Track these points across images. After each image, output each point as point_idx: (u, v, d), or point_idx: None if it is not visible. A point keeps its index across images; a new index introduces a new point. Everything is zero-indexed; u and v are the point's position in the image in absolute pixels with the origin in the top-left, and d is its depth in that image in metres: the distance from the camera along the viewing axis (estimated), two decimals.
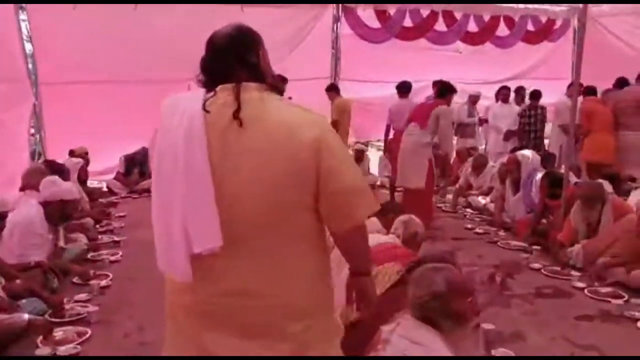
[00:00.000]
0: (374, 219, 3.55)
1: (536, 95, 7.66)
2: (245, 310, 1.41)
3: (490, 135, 8.14)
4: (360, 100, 8.87)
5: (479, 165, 6.72)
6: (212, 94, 1.43)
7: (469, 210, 6.48)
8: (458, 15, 9.01)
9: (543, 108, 7.67)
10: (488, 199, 6.36)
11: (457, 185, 7.09)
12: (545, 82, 8.83)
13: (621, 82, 6.55)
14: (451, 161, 8.44)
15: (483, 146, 8.85)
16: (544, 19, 9.46)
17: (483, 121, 8.68)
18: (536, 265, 4.41)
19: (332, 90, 7.67)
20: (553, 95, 8.09)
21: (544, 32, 9.50)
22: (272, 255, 1.42)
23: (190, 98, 1.44)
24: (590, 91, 7.08)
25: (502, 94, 7.92)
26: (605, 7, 8.86)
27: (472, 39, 9.15)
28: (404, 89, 7.05)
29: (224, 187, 1.38)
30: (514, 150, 6.66)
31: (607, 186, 5.33)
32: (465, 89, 9.13)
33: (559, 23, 9.56)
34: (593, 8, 9.14)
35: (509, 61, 9.42)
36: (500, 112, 7.84)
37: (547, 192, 5.01)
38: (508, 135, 7.74)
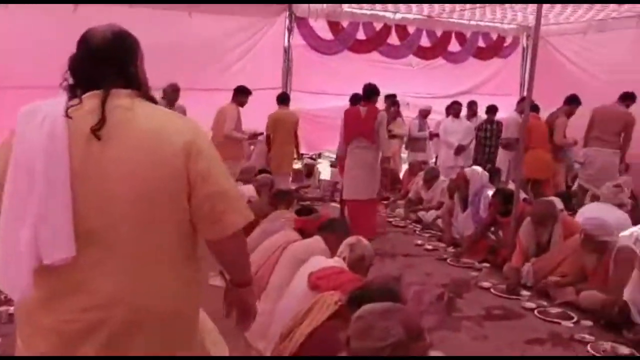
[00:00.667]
0: (318, 238, 3.35)
1: (492, 109, 7.70)
2: (110, 322, 1.33)
3: (441, 149, 8.10)
4: (312, 112, 8.72)
5: (430, 179, 6.63)
6: (77, 101, 1.33)
7: (419, 225, 6.36)
8: (411, 29, 9.02)
9: (499, 123, 7.71)
10: (438, 213, 6.28)
11: (406, 198, 7.01)
12: (494, 97, 8.91)
13: (571, 100, 6.60)
14: (401, 174, 8.44)
15: (433, 160, 8.84)
16: (494, 36, 9.60)
17: (433, 135, 8.69)
18: (485, 284, 4.29)
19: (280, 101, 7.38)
20: (501, 111, 8.17)
21: (495, 49, 9.64)
22: (141, 265, 1.35)
23: (52, 104, 1.33)
24: (533, 107, 7.17)
25: (453, 109, 7.91)
26: (554, 26, 9.06)
27: (424, 54, 9.17)
28: (357, 101, 6.91)
29: (88, 197, 1.31)
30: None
31: (559, 203, 5.36)
32: (416, 103, 9.16)
33: (509, 40, 9.73)
34: (542, 27, 9.37)
35: (460, 76, 9.50)
36: (451, 126, 7.82)
37: (499, 208, 4.93)
38: (459, 150, 7.73)
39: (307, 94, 8.80)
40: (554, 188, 6.65)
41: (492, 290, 4.19)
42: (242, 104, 6.43)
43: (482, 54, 9.54)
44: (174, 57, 6.88)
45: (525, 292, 4.12)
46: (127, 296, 1.33)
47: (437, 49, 9.19)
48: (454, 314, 3.76)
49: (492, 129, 7.74)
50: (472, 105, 8.36)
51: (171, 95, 6.15)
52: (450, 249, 5.30)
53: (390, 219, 6.68)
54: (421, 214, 6.50)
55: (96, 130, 1.30)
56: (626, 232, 4.06)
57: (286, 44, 8.54)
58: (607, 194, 4.92)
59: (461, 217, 5.65)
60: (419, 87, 9.26)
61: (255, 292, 1.65)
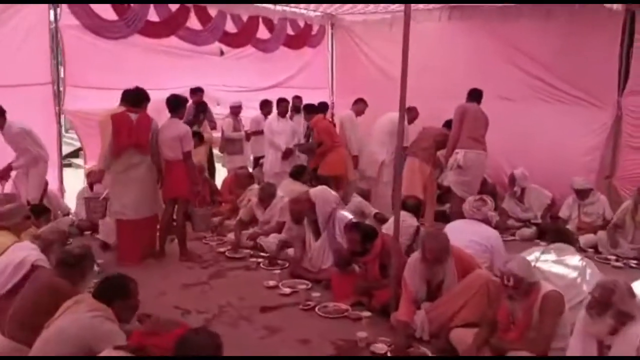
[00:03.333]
0: None
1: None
2: None
3: (268, 153, 7.04)
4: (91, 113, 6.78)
5: (267, 197, 5.56)
6: None
7: (262, 255, 5.24)
8: (213, 12, 7.67)
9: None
10: (280, 237, 5.26)
11: (238, 218, 5.82)
12: (305, 91, 8.22)
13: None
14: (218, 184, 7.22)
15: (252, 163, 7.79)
16: (302, 24, 8.84)
17: (249, 135, 7.62)
18: (379, 348, 3.43)
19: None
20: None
21: (304, 37, 8.89)
22: None
23: None
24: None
25: (280, 107, 6.95)
26: (359, 16, 8.69)
27: (231, 41, 7.92)
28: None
29: None
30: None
31: (412, 220, 4.81)
32: (227, 98, 7.93)
33: (315, 28, 9.08)
34: (347, 16, 8.95)
35: (270, 67, 8.50)
36: (278, 127, 6.85)
37: (357, 247, 4.12)
38: (287, 154, 6.81)
39: (86, 90, 6.79)
40: (430, 197, 6.28)
41: (389, 354, 3.36)
42: None
43: (292, 43, 8.70)
44: None
45: (423, 348, 3.40)
46: None
47: (244, 35, 8.03)
48: None
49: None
50: (296, 101, 7.47)
51: None
52: (315, 294, 4.29)
53: (222, 249, 5.43)
54: (262, 240, 5.39)
55: None
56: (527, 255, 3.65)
57: (52, 24, 6.39)
58: (469, 209, 4.50)
59: (314, 246, 4.74)
60: (230, 80, 7.99)
61: None
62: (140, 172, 5.04)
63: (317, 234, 4.76)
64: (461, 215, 4.68)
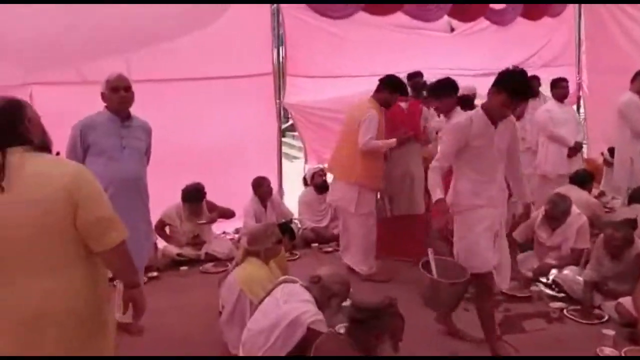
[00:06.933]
0: None
1: None
2: (17, 316, 1.73)
3: (545, 149, 5.48)
4: (313, 106, 5.97)
5: (561, 214, 4.05)
6: None
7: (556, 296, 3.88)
8: None
9: None
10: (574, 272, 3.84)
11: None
12: (549, 70, 6.59)
13: None
14: None
15: None
16: None
17: None
18: None
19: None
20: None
21: (543, 6, 7.17)
22: (41, 275, 1.76)
23: None
24: None
25: (559, 88, 5.52)
26: None
27: (463, 13, 6.55)
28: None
29: None
30: None
31: None
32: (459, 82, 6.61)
33: None
34: None
35: (508, 43, 6.97)
36: (560, 114, 5.40)
37: None
38: (575, 150, 5.34)
39: (305, 80, 6.00)
40: None
41: None
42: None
43: (531, 13, 7.05)
44: None
45: None
46: (34, 300, 1.74)
47: (477, 6, 6.60)
48: None
49: None
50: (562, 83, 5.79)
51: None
52: None
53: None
54: (559, 277, 3.96)
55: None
56: None
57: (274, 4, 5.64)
58: None
59: None
60: (460, 61, 6.68)
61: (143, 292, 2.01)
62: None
63: None
64: None
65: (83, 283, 1.83)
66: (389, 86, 4.28)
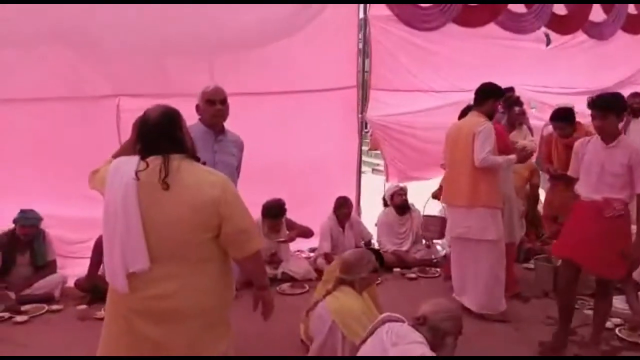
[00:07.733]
0: None
1: None
2: (161, 307, 1.96)
3: None
4: (397, 122, 5.67)
5: None
6: (144, 164, 1.93)
7: None
8: None
9: None
10: None
11: None
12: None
13: None
14: None
15: None
16: None
17: None
18: None
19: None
20: None
21: None
22: (185, 271, 1.97)
23: (128, 162, 1.98)
24: None
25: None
26: None
27: (560, 25, 6.11)
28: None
29: (154, 228, 1.93)
30: None
31: None
32: (544, 100, 6.18)
33: None
34: None
35: (606, 59, 6.44)
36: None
37: None
38: None
39: (388, 93, 5.72)
40: None
41: None
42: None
43: (633, 25, 6.52)
44: None
45: None
46: (179, 292, 1.95)
47: (577, 17, 6.14)
48: None
49: None
50: (635, 101, 5.34)
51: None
52: None
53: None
54: None
55: (164, 182, 1.90)
56: None
57: (361, 14, 5.42)
58: None
59: None
60: (550, 78, 6.21)
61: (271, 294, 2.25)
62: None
63: None
64: None
65: (213, 281, 2.03)
66: (493, 94, 3.84)
